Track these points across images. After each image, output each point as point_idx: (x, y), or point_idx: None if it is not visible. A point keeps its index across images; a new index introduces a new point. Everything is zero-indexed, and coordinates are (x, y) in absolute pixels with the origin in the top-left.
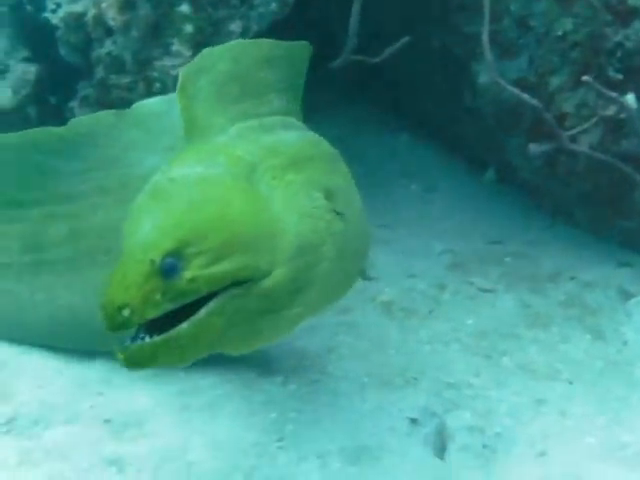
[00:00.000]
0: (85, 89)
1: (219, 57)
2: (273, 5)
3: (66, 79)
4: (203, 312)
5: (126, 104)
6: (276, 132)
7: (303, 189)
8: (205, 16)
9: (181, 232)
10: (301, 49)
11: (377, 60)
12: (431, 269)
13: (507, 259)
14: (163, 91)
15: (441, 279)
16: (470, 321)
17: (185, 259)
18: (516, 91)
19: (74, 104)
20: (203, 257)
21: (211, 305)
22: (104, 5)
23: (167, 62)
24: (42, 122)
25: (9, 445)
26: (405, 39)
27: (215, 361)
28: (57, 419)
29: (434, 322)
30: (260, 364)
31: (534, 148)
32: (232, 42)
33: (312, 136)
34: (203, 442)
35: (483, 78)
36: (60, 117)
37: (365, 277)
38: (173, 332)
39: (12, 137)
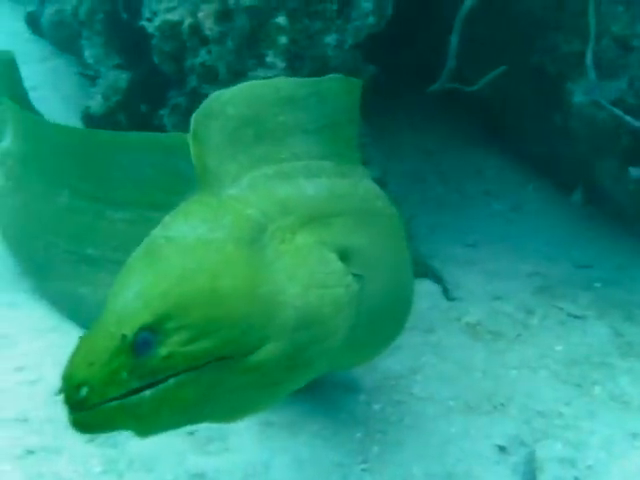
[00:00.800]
0: (176, 98)
1: (230, 100)
2: (370, 19)
3: (157, 87)
4: (172, 382)
5: None
6: (295, 181)
7: (314, 254)
8: (301, 28)
9: (163, 304)
10: (345, 84)
11: (473, 89)
12: (517, 291)
13: (597, 284)
14: None
15: (528, 302)
16: (559, 347)
17: (163, 334)
18: (619, 112)
19: (164, 112)
20: (184, 333)
21: (182, 377)
22: (201, 15)
23: (261, 73)
24: (131, 129)
25: (93, 454)
26: (502, 68)
27: None
28: None
29: (522, 346)
30: (343, 382)
31: (634, 171)
32: (246, 83)
33: (342, 186)
34: (286, 460)
35: (578, 98)
36: (149, 125)
37: (450, 297)
38: (133, 398)
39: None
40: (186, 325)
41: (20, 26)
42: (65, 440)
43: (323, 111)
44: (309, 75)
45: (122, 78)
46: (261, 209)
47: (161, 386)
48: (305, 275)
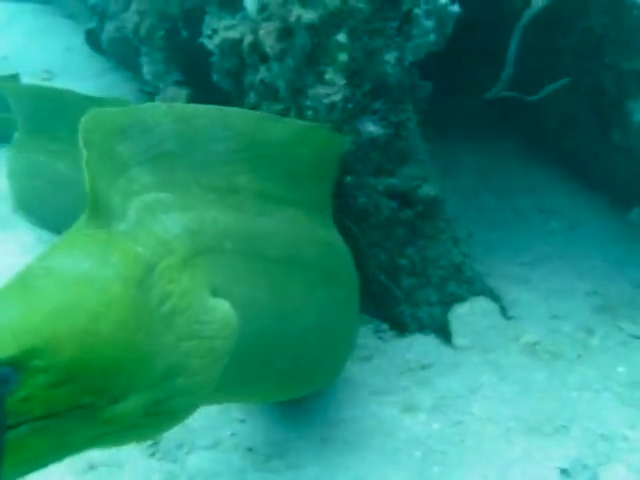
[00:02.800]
0: None
1: (162, 117)
2: (431, 36)
3: (215, 104)
4: (24, 429)
5: None
6: (198, 212)
7: (197, 299)
8: (360, 45)
9: (33, 339)
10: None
11: (533, 98)
12: (576, 311)
13: None
14: (315, 119)
15: (588, 322)
16: (622, 369)
17: (26, 372)
18: None
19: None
20: (49, 374)
21: (37, 424)
22: (262, 32)
23: (320, 90)
24: None
25: (154, 468)
26: (564, 80)
27: (356, 394)
28: (200, 444)
29: (582, 367)
30: (402, 400)
31: (635, 215)
32: (178, 105)
33: (255, 224)
34: (347, 477)
35: (638, 116)
36: None
37: (507, 316)
38: None
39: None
40: (53, 366)
41: (79, 43)
42: (127, 454)
43: (240, 143)
44: (369, 92)
45: (181, 94)
46: (149, 246)
47: (13, 432)
48: (183, 324)
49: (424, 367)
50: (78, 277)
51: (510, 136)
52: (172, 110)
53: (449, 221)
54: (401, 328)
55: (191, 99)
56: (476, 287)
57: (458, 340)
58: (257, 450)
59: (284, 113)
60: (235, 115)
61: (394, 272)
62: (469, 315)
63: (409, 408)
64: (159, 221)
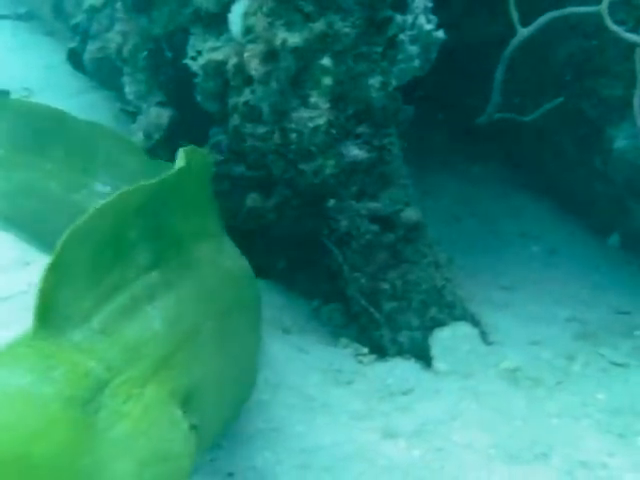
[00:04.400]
0: (217, 136)
1: (95, 218)
2: (416, 62)
3: (198, 125)
4: None
5: (259, 154)
6: (143, 313)
7: (163, 416)
8: (345, 69)
9: None
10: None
11: (528, 119)
12: (556, 337)
13: (637, 332)
14: (299, 142)
15: (568, 348)
16: (601, 396)
17: None
18: None
19: (204, 150)
20: None
21: None
22: (247, 55)
23: (304, 114)
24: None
25: None
26: (559, 99)
27: (335, 419)
28: None
29: (562, 394)
30: (382, 426)
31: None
32: (109, 200)
33: (186, 299)
34: None
35: (619, 143)
36: None
37: (487, 342)
38: None
39: None
40: None
41: (59, 61)
42: None
43: (166, 209)
44: (353, 116)
45: (164, 115)
46: (106, 360)
47: None
48: (146, 447)
49: (405, 392)
50: (15, 393)
51: (491, 160)
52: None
53: (431, 245)
54: (381, 352)
55: (174, 120)
56: (457, 312)
57: (439, 365)
58: (237, 475)
59: (268, 136)
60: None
61: (375, 296)
62: (450, 340)
63: (389, 434)
64: (126, 325)
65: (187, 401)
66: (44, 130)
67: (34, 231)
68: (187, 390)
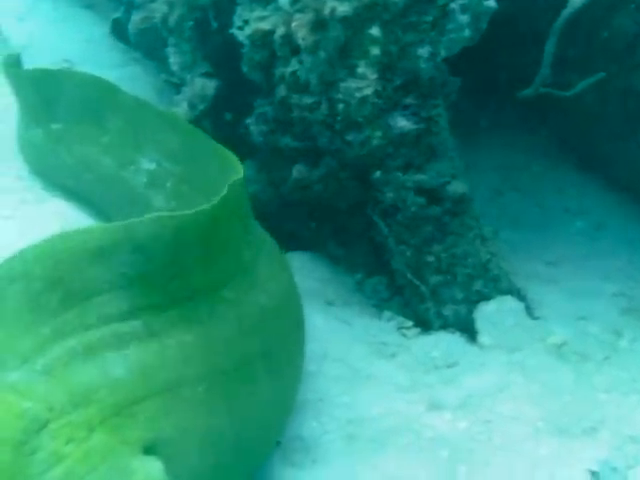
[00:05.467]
0: (263, 107)
1: (37, 257)
2: (466, 32)
3: (244, 96)
4: None
5: (306, 125)
6: (102, 359)
7: (109, 459)
8: (394, 39)
9: None
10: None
11: (570, 94)
12: (603, 312)
13: None
14: (346, 113)
15: (615, 324)
16: None
17: None
18: None
19: (250, 121)
20: None
21: None
22: (294, 24)
23: (352, 84)
24: (216, 137)
25: None
26: (600, 74)
27: (380, 391)
28: None
29: (610, 369)
30: (427, 398)
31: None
32: (55, 236)
33: (158, 353)
34: (373, 475)
35: None
36: (234, 133)
37: (533, 316)
38: None
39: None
40: None
41: (100, 33)
42: None
43: (139, 257)
44: (401, 86)
45: (209, 86)
46: (48, 401)
47: None
48: None
49: (449, 365)
50: None
51: (537, 134)
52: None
53: (477, 218)
54: (425, 326)
55: (219, 91)
56: (502, 286)
57: (484, 339)
58: (283, 445)
59: (315, 106)
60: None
61: (420, 269)
62: (495, 314)
63: (435, 406)
64: (78, 367)
65: (152, 452)
66: (97, 103)
67: (92, 204)
68: (152, 441)
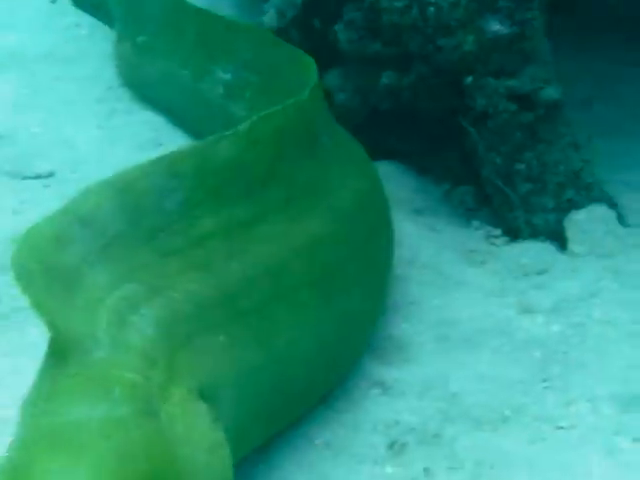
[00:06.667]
0: (351, 12)
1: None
2: None
3: (332, 2)
4: None
5: (396, 30)
6: (136, 313)
7: (196, 412)
8: None
9: None
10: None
11: None
12: None
13: None
14: (437, 17)
15: None
16: None
17: None
18: None
19: (338, 28)
20: None
21: None
22: None
23: None
24: (304, 45)
25: None
26: None
27: (471, 295)
28: None
29: None
30: (518, 302)
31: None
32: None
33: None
34: (465, 374)
35: None
36: (323, 41)
37: (625, 224)
38: None
39: None
40: None
41: None
42: None
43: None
44: None
45: None
46: (135, 365)
47: None
48: (200, 438)
49: (540, 272)
50: (107, 423)
51: (632, 41)
52: (108, 185)
53: (570, 125)
54: (514, 234)
55: None
56: (594, 194)
57: (575, 247)
58: (374, 344)
59: (405, 11)
60: (174, 159)
61: (510, 177)
62: (586, 222)
63: (527, 310)
64: (132, 328)
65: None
66: (174, 16)
67: (176, 115)
68: (210, 379)
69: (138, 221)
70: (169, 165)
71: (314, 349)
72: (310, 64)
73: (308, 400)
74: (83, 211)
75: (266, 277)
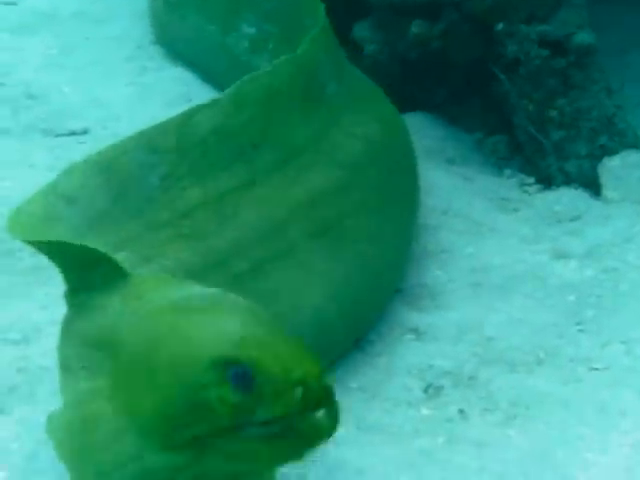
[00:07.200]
0: None
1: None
2: None
3: None
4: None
5: None
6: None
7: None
8: None
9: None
10: None
11: None
12: None
13: None
14: None
15: None
16: None
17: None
18: None
19: None
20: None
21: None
22: None
23: None
24: None
25: None
26: None
27: (504, 242)
28: None
29: None
30: (552, 248)
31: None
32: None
33: None
34: (499, 319)
35: None
36: None
37: None
38: None
39: None
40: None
41: None
42: None
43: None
44: None
45: None
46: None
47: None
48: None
49: (573, 218)
50: (216, 297)
51: None
52: (91, 164)
53: (603, 71)
54: (548, 182)
55: None
56: (628, 139)
57: (608, 193)
58: (406, 291)
59: None
60: (154, 134)
61: (543, 124)
62: (620, 168)
63: (560, 255)
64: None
65: None
66: None
67: (207, 72)
68: None
69: (123, 197)
70: (149, 141)
71: (324, 299)
72: (319, 8)
73: (324, 350)
74: (68, 190)
75: (261, 238)
